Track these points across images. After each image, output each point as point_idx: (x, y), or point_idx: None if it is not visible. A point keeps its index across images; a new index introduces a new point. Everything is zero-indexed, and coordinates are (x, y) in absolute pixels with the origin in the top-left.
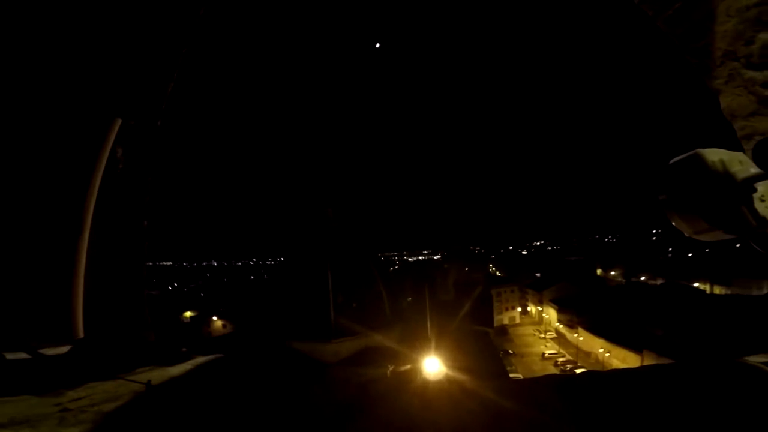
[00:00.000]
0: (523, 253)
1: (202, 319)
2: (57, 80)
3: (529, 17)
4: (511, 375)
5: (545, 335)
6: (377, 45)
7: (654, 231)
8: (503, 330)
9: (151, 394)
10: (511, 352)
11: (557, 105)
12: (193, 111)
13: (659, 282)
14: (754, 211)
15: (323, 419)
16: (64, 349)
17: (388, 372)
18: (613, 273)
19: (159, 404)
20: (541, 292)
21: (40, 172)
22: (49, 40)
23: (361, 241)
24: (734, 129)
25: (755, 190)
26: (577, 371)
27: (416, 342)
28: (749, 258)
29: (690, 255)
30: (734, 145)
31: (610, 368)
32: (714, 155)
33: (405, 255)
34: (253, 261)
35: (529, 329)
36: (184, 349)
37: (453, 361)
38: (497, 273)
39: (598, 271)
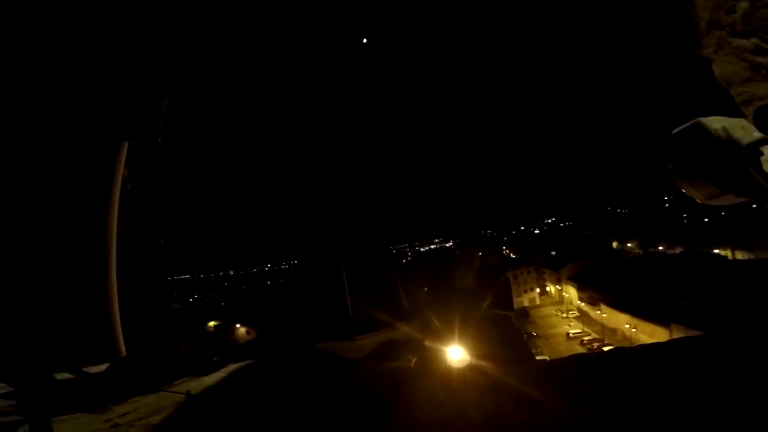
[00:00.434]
0: (536, 232)
1: (225, 328)
2: (68, 108)
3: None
4: (537, 357)
5: (567, 314)
6: (364, 40)
7: (666, 198)
8: (524, 312)
9: (192, 404)
10: (535, 334)
11: (560, 81)
12: (190, 121)
13: (678, 251)
14: (764, 173)
15: (356, 415)
16: (104, 366)
17: (412, 364)
18: (629, 245)
19: (200, 413)
20: (558, 271)
21: (66, 201)
22: (53, 67)
23: (372, 236)
24: (732, 95)
25: (762, 153)
26: (605, 349)
27: (437, 332)
28: (764, 221)
29: (706, 220)
30: (735, 110)
31: (637, 344)
32: (716, 123)
33: (417, 245)
34: (267, 267)
35: (551, 309)
36: (215, 359)
37: (476, 349)
38: (512, 255)
39: (614, 244)
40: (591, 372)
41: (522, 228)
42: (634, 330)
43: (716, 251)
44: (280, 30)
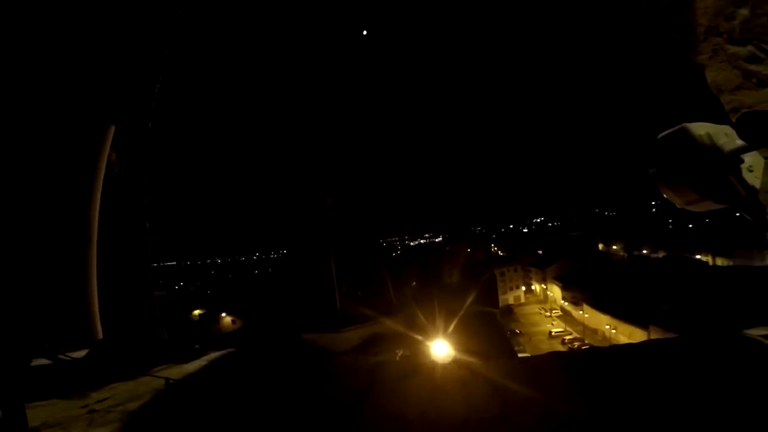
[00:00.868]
0: (524, 231)
1: (211, 317)
2: (51, 90)
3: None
4: (519, 355)
5: (551, 313)
6: (364, 32)
7: (653, 203)
8: (509, 310)
9: (171, 391)
10: (518, 331)
11: (553, 85)
12: (186, 108)
13: (661, 255)
14: (743, 181)
15: (336, 404)
16: (83, 352)
17: (398, 357)
18: (614, 247)
19: (179, 400)
20: (544, 270)
21: (47, 183)
22: (38, 49)
23: (362, 229)
24: (721, 103)
25: (742, 161)
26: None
27: (424, 326)
28: (750, 228)
29: (690, 226)
30: (723, 118)
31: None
32: (700, 129)
33: (407, 239)
34: (256, 255)
35: (535, 308)
36: (197, 346)
37: (461, 344)
38: (500, 252)
39: (600, 246)
40: (565, 369)
41: (511, 226)
42: (614, 331)
43: (698, 257)
44: (277, 20)
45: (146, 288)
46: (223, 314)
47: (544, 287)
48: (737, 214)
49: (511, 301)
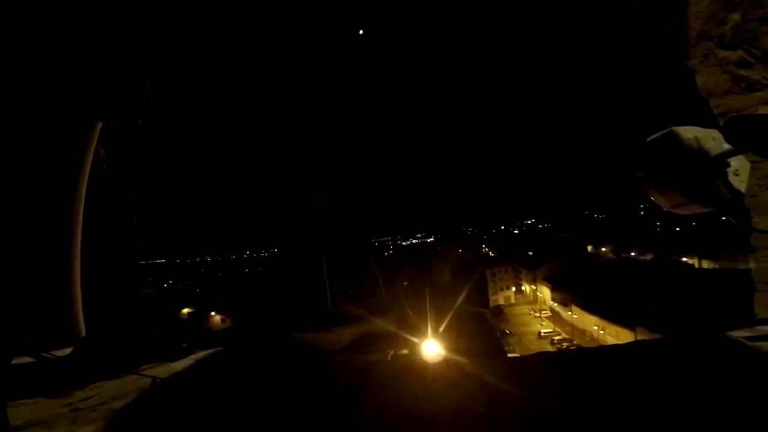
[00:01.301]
0: (515, 232)
1: (200, 315)
2: (36, 86)
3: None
4: (509, 355)
5: (540, 314)
6: (360, 32)
7: (642, 206)
8: (499, 310)
9: (157, 390)
10: (508, 332)
11: (546, 88)
12: (178, 105)
13: (649, 257)
14: (729, 185)
15: (326, 404)
16: (68, 350)
17: (389, 356)
18: (603, 249)
19: (165, 399)
20: (534, 271)
21: (29, 179)
22: (22, 44)
23: (355, 228)
24: (711, 107)
25: (729, 165)
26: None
27: (415, 326)
28: (735, 231)
29: (677, 229)
30: (712, 122)
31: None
32: (688, 132)
33: (399, 239)
34: (246, 254)
35: (525, 308)
36: (184, 345)
37: (451, 344)
38: (490, 253)
39: (589, 248)
40: (553, 369)
41: (502, 227)
42: (602, 332)
43: (684, 259)
44: (272, 18)
45: (133, 285)
46: (213, 313)
47: (534, 288)
48: (723, 218)
49: (501, 301)
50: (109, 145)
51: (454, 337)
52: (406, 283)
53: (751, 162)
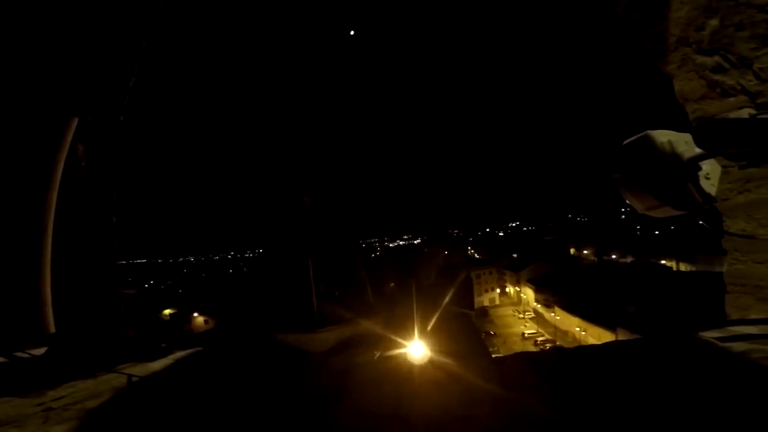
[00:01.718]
0: (500, 234)
1: (182, 317)
2: (9, 80)
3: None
4: (493, 356)
5: (524, 315)
6: (351, 32)
7: (623, 210)
8: (484, 311)
9: (133, 389)
10: (492, 333)
11: (534, 93)
12: (162, 102)
13: (629, 260)
14: (700, 189)
15: (308, 404)
16: (42, 350)
17: (375, 357)
18: (585, 252)
19: (141, 398)
20: (518, 273)
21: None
22: None
23: (341, 229)
24: (687, 112)
25: (700, 169)
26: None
27: (401, 327)
28: (711, 235)
29: (657, 233)
30: (688, 128)
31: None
32: (662, 136)
33: (386, 241)
34: (231, 254)
35: (509, 310)
36: (163, 345)
37: (437, 345)
38: (476, 255)
39: (572, 250)
40: (534, 368)
41: (487, 229)
42: (583, 333)
43: (663, 262)
44: (259, 17)
45: (110, 283)
46: (195, 314)
47: (518, 290)
48: (700, 222)
49: (486, 302)
50: (88, 142)
51: (439, 339)
52: (392, 284)
53: (723, 166)
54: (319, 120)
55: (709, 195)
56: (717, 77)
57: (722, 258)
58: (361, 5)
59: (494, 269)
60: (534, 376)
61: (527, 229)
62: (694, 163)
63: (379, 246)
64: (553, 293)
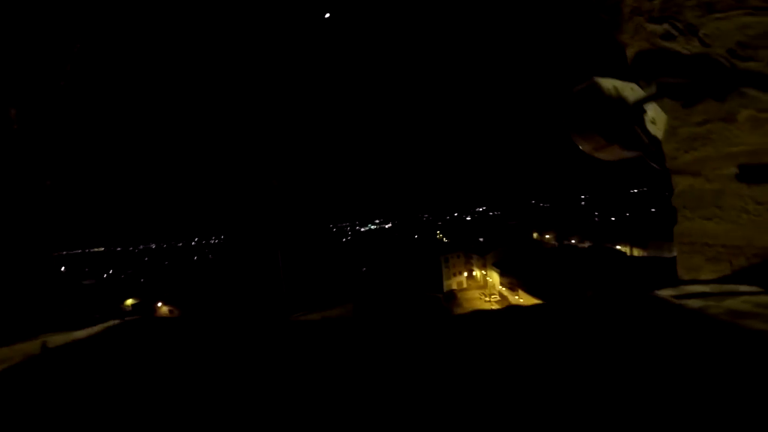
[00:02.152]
0: (468, 219)
1: (145, 306)
2: None
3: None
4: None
5: (490, 299)
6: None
7: (582, 197)
8: (452, 295)
9: (47, 356)
10: None
11: (509, 82)
12: (119, 79)
13: (587, 245)
14: (646, 131)
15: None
16: None
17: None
18: (547, 236)
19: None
20: (484, 257)
21: None
22: None
23: (311, 213)
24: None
25: (645, 112)
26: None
27: (372, 312)
28: (662, 222)
29: (613, 219)
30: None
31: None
32: (608, 83)
33: (357, 225)
34: (195, 241)
35: (476, 293)
36: (96, 315)
37: None
38: (444, 239)
39: (534, 235)
40: (486, 324)
41: (456, 214)
42: None
43: (618, 247)
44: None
45: (37, 250)
46: (160, 303)
47: (484, 273)
48: (653, 210)
49: (454, 286)
50: (23, 105)
51: None
52: (364, 269)
53: (672, 126)
54: (288, 101)
55: (655, 138)
56: (666, 44)
57: (671, 244)
58: None
59: (462, 253)
60: (488, 332)
61: (493, 213)
62: (639, 105)
63: (350, 230)
64: (516, 277)
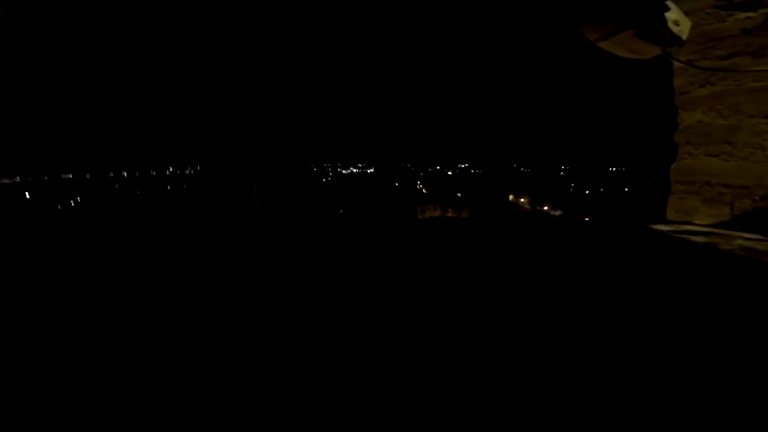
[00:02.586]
0: (449, 173)
1: None
2: None
3: None
4: None
5: None
6: None
7: (562, 167)
8: None
9: None
10: None
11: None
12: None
13: (558, 213)
14: (668, 29)
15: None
16: None
17: None
18: (522, 200)
19: None
20: (459, 212)
21: None
22: None
23: (291, 149)
24: None
25: (667, 9)
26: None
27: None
28: (629, 202)
29: (587, 193)
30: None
31: None
32: None
33: (339, 167)
34: (169, 170)
35: None
36: None
37: None
38: (424, 190)
39: (510, 197)
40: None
41: (438, 167)
42: None
43: (586, 219)
44: None
45: None
46: None
47: None
48: (626, 189)
49: None
50: None
51: None
52: (342, 211)
53: (688, 59)
54: (277, 35)
55: (678, 38)
56: None
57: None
58: None
59: (438, 206)
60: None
61: (474, 171)
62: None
63: (331, 171)
64: None
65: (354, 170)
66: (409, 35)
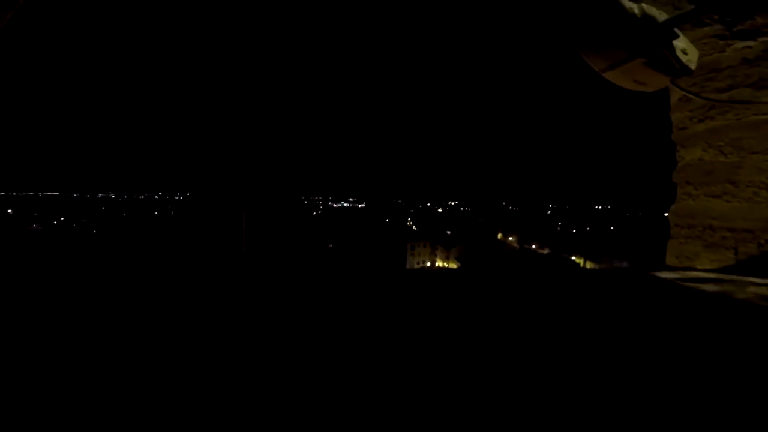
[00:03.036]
0: (439, 210)
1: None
2: None
3: None
4: None
5: None
6: None
7: (550, 206)
8: None
9: None
10: None
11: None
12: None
13: (546, 251)
14: (677, 58)
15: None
16: None
17: None
18: (510, 238)
19: None
20: (448, 250)
21: None
22: None
23: (283, 180)
24: None
25: (676, 36)
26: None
27: None
28: (615, 241)
29: (574, 231)
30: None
31: None
32: (630, 3)
33: (330, 200)
34: (159, 195)
35: None
36: None
37: None
38: (414, 227)
39: (499, 235)
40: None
41: (429, 204)
42: None
43: (573, 258)
44: None
45: None
46: None
47: (447, 265)
48: (611, 228)
49: None
50: None
51: None
52: (331, 245)
53: (685, 94)
54: (270, 70)
55: (687, 67)
56: None
57: (622, 261)
58: None
59: (428, 243)
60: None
61: (464, 209)
62: (670, 26)
63: (322, 204)
64: None
65: (345, 204)
66: (406, 70)
